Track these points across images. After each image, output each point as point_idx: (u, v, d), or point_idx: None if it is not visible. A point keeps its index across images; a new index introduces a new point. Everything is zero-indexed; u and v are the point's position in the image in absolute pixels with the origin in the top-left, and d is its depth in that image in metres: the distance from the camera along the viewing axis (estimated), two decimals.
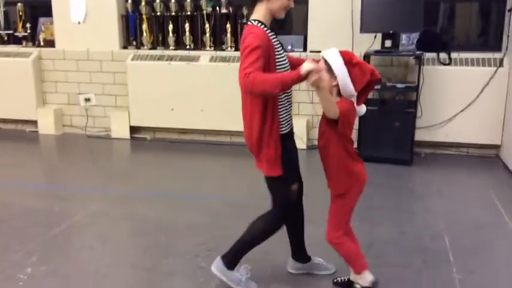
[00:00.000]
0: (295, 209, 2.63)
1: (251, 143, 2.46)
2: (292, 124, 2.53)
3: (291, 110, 2.52)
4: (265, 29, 2.37)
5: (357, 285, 2.55)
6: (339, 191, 2.43)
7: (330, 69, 2.28)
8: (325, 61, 2.30)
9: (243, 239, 2.58)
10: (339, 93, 2.32)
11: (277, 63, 2.38)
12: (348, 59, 2.27)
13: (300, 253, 2.79)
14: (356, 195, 2.45)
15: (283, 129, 2.44)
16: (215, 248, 2.92)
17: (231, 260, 2.58)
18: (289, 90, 2.42)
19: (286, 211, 2.56)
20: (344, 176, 2.39)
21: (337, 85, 2.29)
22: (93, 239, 3.26)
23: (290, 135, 2.52)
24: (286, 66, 2.45)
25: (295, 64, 2.57)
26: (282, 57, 2.43)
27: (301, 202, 2.69)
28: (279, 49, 2.41)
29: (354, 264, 2.53)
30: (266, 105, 2.35)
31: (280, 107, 2.40)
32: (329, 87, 2.29)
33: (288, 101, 2.47)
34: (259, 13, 2.39)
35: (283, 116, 2.44)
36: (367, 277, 2.53)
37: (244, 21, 5.56)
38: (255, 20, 2.38)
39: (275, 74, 2.27)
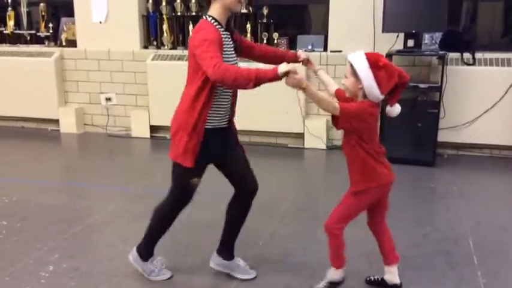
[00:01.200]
0: (190, 197, 2.63)
1: (174, 126, 2.49)
2: (226, 121, 2.56)
3: (228, 105, 2.53)
4: (218, 26, 2.38)
5: (327, 278, 2.54)
6: (355, 189, 2.40)
7: (354, 73, 2.26)
8: (351, 64, 2.28)
9: (149, 227, 2.69)
10: (364, 96, 2.29)
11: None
12: (374, 62, 2.24)
13: (225, 249, 2.78)
14: (372, 197, 2.41)
15: (211, 123, 2.45)
16: (237, 248, 2.90)
17: (144, 251, 2.72)
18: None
19: (179, 199, 2.61)
20: (360, 175, 2.37)
21: (363, 88, 2.26)
22: (113, 236, 3.28)
23: (219, 131, 2.52)
24: None
25: (278, 56, 2.69)
26: (234, 59, 2.47)
27: (251, 200, 2.69)
28: (229, 49, 2.42)
29: (336, 258, 2.49)
30: (200, 93, 2.37)
31: (215, 99, 2.42)
32: (354, 90, 2.29)
33: (226, 95, 2.48)
34: (214, 10, 2.41)
35: (216, 109, 2.45)
36: (339, 273, 2.52)
37: (265, 21, 5.56)
38: (209, 16, 2.40)
39: (249, 68, 2.22)
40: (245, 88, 2.22)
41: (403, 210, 3.65)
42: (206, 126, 2.43)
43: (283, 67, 2.17)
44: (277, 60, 2.61)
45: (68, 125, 6.14)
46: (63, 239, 3.23)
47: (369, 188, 2.37)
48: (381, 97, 2.28)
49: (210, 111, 2.43)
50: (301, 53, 2.70)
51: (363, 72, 2.24)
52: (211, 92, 2.38)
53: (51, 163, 5.08)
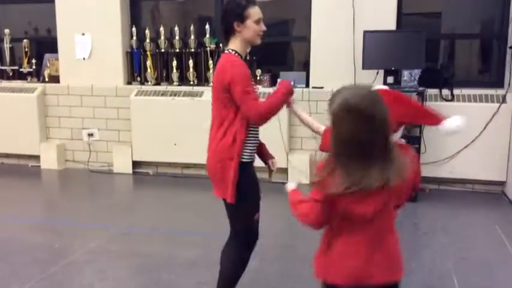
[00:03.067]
0: (255, 239, 2.57)
1: (214, 166, 2.42)
2: (254, 155, 2.56)
3: (256, 141, 2.53)
4: (241, 59, 2.43)
5: None
6: None
7: None
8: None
9: (220, 281, 2.56)
10: None
11: None
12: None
13: None
14: None
15: (249, 157, 2.45)
16: None
17: None
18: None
19: (247, 240, 2.51)
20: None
21: None
22: (92, 276, 3.20)
23: (252, 164, 2.52)
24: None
25: None
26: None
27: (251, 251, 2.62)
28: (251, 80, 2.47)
29: None
30: (237, 131, 2.36)
31: (249, 134, 2.43)
32: None
33: (254, 131, 2.49)
34: (235, 44, 2.45)
35: (251, 144, 2.46)
36: None
37: (248, 58, 5.61)
38: (232, 50, 2.44)
39: (270, 99, 2.39)
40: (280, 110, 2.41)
41: None
42: (246, 160, 2.42)
43: (285, 83, 2.46)
44: None
45: (49, 161, 6.07)
46: (40, 279, 3.14)
47: None
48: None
49: (247, 144, 2.42)
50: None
51: None
52: (246, 125, 2.38)
53: (30, 200, 4.99)
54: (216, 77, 2.38)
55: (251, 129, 2.44)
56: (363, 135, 1.55)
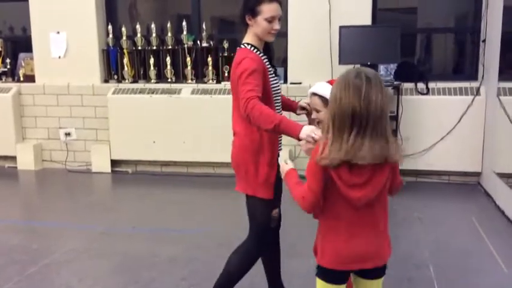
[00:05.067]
0: (273, 237, 2.53)
1: (242, 156, 2.34)
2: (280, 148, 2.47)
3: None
4: (258, 52, 2.34)
5: None
6: None
7: (326, 102, 2.10)
8: (320, 96, 2.19)
9: (222, 276, 2.48)
10: None
11: (272, 88, 2.35)
12: None
13: (277, 286, 2.71)
14: None
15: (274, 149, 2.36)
16: (197, 284, 2.86)
17: None
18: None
19: (264, 238, 2.44)
20: None
21: None
22: (71, 277, 3.17)
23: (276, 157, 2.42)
24: (279, 92, 2.45)
25: (286, 104, 2.58)
26: (276, 82, 2.42)
27: (278, 232, 2.59)
28: (272, 73, 2.40)
29: None
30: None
31: None
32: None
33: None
34: (249, 37, 2.36)
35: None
36: None
37: (226, 54, 5.63)
38: (248, 44, 2.35)
39: (275, 113, 2.16)
40: (262, 128, 2.14)
41: None
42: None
43: (306, 130, 2.01)
44: (285, 107, 2.58)
45: (26, 162, 5.98)
46: (18, 280, 3.10)
47: None
48: None
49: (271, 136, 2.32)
50: (303, 104, 2.52)
51: None
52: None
53: (8, 201, 4.91)
54: (232, 71, 2.33)
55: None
56: (361, 110, 1.66)
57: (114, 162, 5.82)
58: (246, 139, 2.33)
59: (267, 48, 2.44)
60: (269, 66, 2.40)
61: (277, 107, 2.43)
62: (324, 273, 1.84)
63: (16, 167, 6.02)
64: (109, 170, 5.79)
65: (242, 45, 2.36)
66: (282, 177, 1.99)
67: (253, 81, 2.18)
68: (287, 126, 2.07)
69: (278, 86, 2.45)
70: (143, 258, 3.42)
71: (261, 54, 2.36)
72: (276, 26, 2.34)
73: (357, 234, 1.78)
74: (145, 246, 3.65)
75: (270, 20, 2.31)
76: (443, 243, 3.65)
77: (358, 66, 4.92)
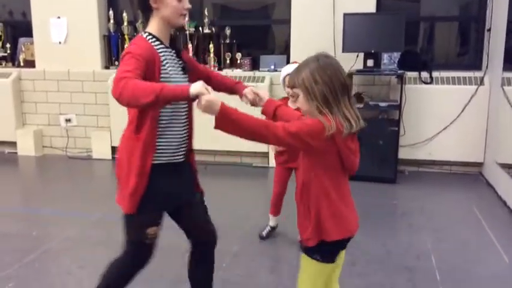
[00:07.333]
0: (150, 251, 2.20)
1: (118, 167, 2.11)
2: (183, 155, 2.14)
3: (183, 135, 2.13)
4: (156, 42, 2.02)
5: None
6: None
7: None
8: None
9: (100, 285, 2.24)
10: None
11: (162, 81, 1.96)
12: None
13: None
14: None
15: (161, 157, 2.04)
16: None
17: None
18: (182, 111, 2.07)
19: (137, 253, 2.19)
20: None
21: None
22: (70, 264, 3.16)
23: (172, 167, 2.09)
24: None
25: (227, 86, 2.32)
26: (176, 76, 2.06)
27: (212, 255, 2.34)
28: (172, 67, 2.06)
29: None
30: (141, 121, 1.98)
31: (161, 127, 2.02)
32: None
33: (177, 123, 2.09)
34: (153, 26, 2.04)
35: (164, 141, 2.04)
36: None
37: (228, 41, 5.58)
38: (145, 32, 2.04)
39: (154, 83, 1.83)
40: (143, 103, 1.74)
41: (365, 228, 3.66)
42: (154, 162, 2.02)
43: (196, 87, 1.76)
44: (226, 90, 2.32)
45: (26, 148, 5.96)
46: (17, 267, 3.09)
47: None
48: None
49: (159, 143, 2.03)
50: (248, 93, 2.22)
51: None
52: (154, 118, 1.99)
53: (7, 188, 4.90)
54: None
55: (167, 120, 2.04)
56: (346, 80, 1.79)
57: (115, 149, 5.79)
58: (126, 135, 2.07)
59: (173, 41, 2.13)
60: (173, 60, 2.08)
61: (180, 116, 2.10)
62: (329, 250, 1.83)
63: (16, 153, 6.01)
64: (110, 156, 5.77)
65: (140, 33, 2.06)
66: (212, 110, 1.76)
67: (131, 63, 1.84)
68: (172, 90, 1.76)
69: (176, 81, 2.04)
70: None
71: (162, 46, 2.03)
72: (187, 4, 2.05)
73: (350, 203, 1.89)
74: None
75: None
76: (444, 233, 3.64)
77: (361, 54, 4.88)
